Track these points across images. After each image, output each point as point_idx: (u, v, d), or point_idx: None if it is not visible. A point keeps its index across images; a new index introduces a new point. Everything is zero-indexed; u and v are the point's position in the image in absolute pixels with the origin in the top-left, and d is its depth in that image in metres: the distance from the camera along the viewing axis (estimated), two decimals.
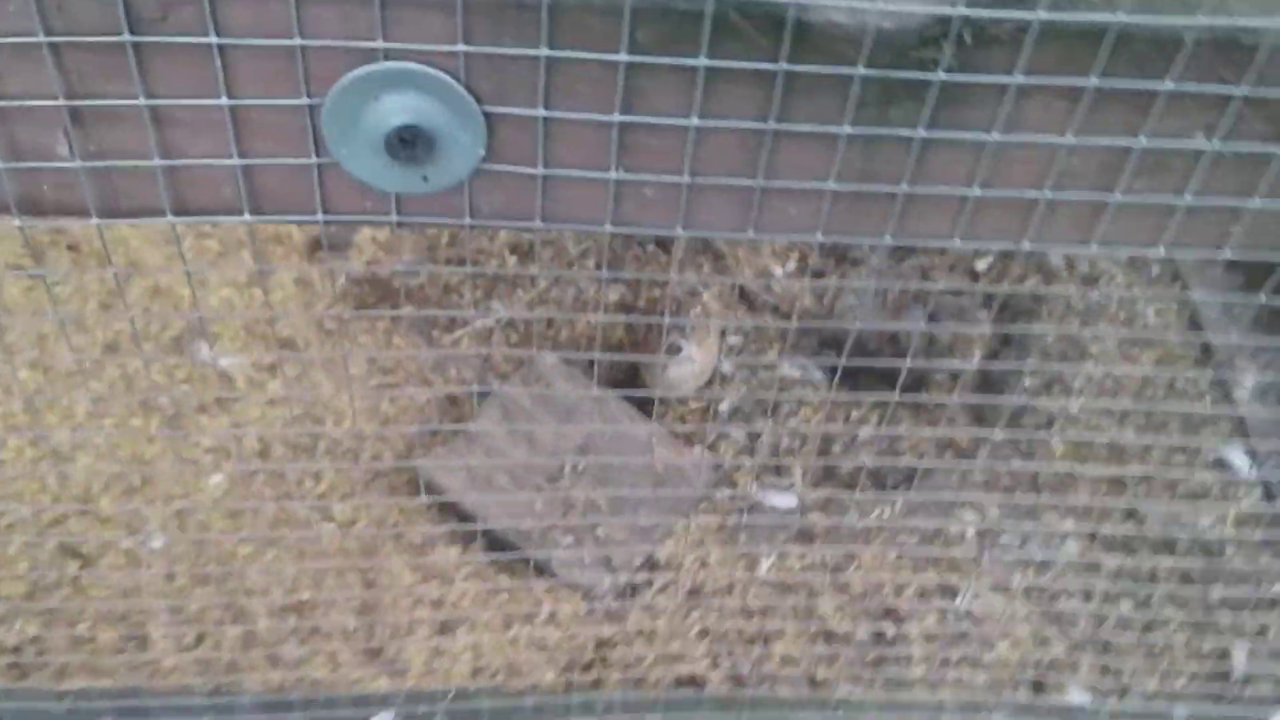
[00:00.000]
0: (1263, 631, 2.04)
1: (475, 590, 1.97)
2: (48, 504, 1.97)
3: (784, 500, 2.20)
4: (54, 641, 1.81)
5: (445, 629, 1.91)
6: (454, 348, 2.32)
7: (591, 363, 2.32)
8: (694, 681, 1.89)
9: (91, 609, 1.84)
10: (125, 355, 2.17)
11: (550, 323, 2.41)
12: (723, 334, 2.46)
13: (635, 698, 1.46)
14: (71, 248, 2.35)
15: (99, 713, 1.40)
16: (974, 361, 2.45)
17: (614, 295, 2.50)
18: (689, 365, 2.20)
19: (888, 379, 2.41)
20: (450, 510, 2.06)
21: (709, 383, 2.37)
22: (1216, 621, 2.04)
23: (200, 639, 1.84)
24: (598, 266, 2.58)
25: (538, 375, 2.26)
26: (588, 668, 1.89)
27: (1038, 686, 1.93)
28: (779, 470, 2.26)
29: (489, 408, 2.19)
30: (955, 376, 2.45)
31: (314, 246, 2.44)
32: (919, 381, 2.43)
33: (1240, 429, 2.36)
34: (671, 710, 1.42)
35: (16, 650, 1.80)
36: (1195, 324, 2.56)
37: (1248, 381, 2.42)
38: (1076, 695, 1.92)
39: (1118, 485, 2.23)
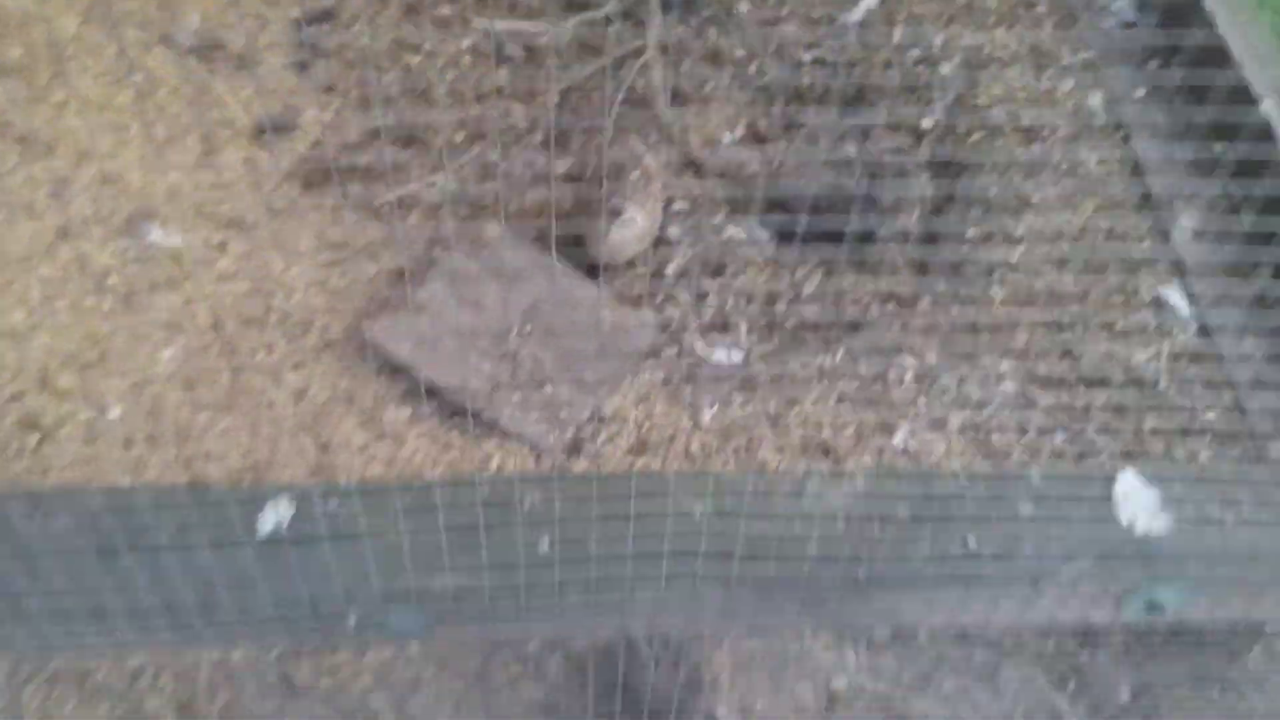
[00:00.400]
0: (1193, 458, 2.10)
1: (426, 449, 2.02)
2: (6, 380, 2.02)
3: (729, 355, 2.25)
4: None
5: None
6: (402, 221, 2.36)
7: (539, 234, 2.36)
8: None
9: (52, 477, 1.91)
10: (77, 239, 2.21)
11: (498, 197, 2.44)
12: (669, 203, 2.50)
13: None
14: (20, 140, 2.37)
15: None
16: (915, 218, 2.48)
17: (561, 168, 2.53)
18: (631, 227, 2.24)
19: (833, 238, 2.45)
20: (400, 375, 2.11)
21: (655, 246, 2.41)
22: (1148, 450, 2.10)
23: None
24: (544, 144, 2.60)
25: (484, 245, 2.30)
26: None
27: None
28: (725, 327, 2.31)
29: (436, 277, 2.23)
30: (901, 234, 2.49)
31: (260, 130, 2.46)
32: (865, 239, 2.46)
33: (1178, 270, 2.40)
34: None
35: None
36: (1137, 173, 2.59)
37: (1186, 224, 2.46)
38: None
39: (1056, 329, 2.28)
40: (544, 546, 0.95)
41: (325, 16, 2.73)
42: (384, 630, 0.98)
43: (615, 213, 2.20)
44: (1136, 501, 0.98)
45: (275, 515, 0.95)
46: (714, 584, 0.98)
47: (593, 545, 0.94)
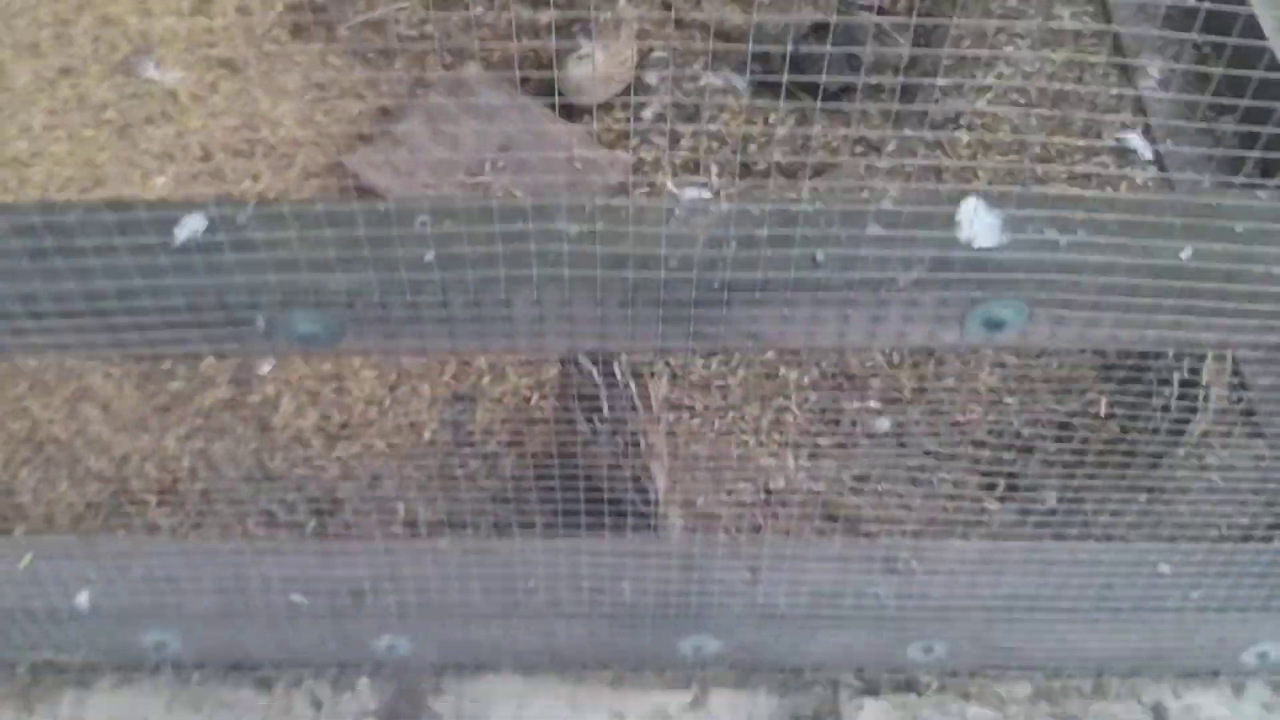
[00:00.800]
0: None
1: None
2: (9, 203, 2.15)
3: (697, 194, 2.34)
4: None
5: None
6: (387, 67, 2.46)
7: (522, 79, 2.44)
8: None
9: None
10: (78, 76, 2.33)
11: (482, 43, 2.53)
12: (648, 51, 2.57)
13: None
14: None
15: None
16: (893, 76, 2.53)
17: (544, 18, 2.60)
18: (591, 64, 2.31)
19: (809, 90, 2.51)
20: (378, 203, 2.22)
21: (634, 92, 2.49)
22: None
23: None
24: None
25: (463, 85, 2.39)
26: None
27: None
28: (696, 167, 2.39)
29: (414, 113, 2.33)
30: (876, 89, 2.55)
31: None
32: (842, 93, 2.52)
33: (1142, 115, 2.44)
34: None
35: None
36: (1108, 20, 2.62)
37: (1153, 73, 2.49)
38: None
39: (1018, 173, 2.34)
40: (428, 257, 1.06)
41: None
42: (291, 335, 1.09)
43: (574, 46, 2.27)
44: (977, 222, 1.06)
45: (190, 227, 1.06)
46: (585, 303, 1.08)
47: (468, 257, 1.05)
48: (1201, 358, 1.82)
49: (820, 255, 1.07)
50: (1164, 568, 1.63)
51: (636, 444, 1.62)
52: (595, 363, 1.65)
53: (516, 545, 1.62)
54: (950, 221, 1.08)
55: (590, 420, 1.64)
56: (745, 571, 1.61)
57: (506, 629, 1.64)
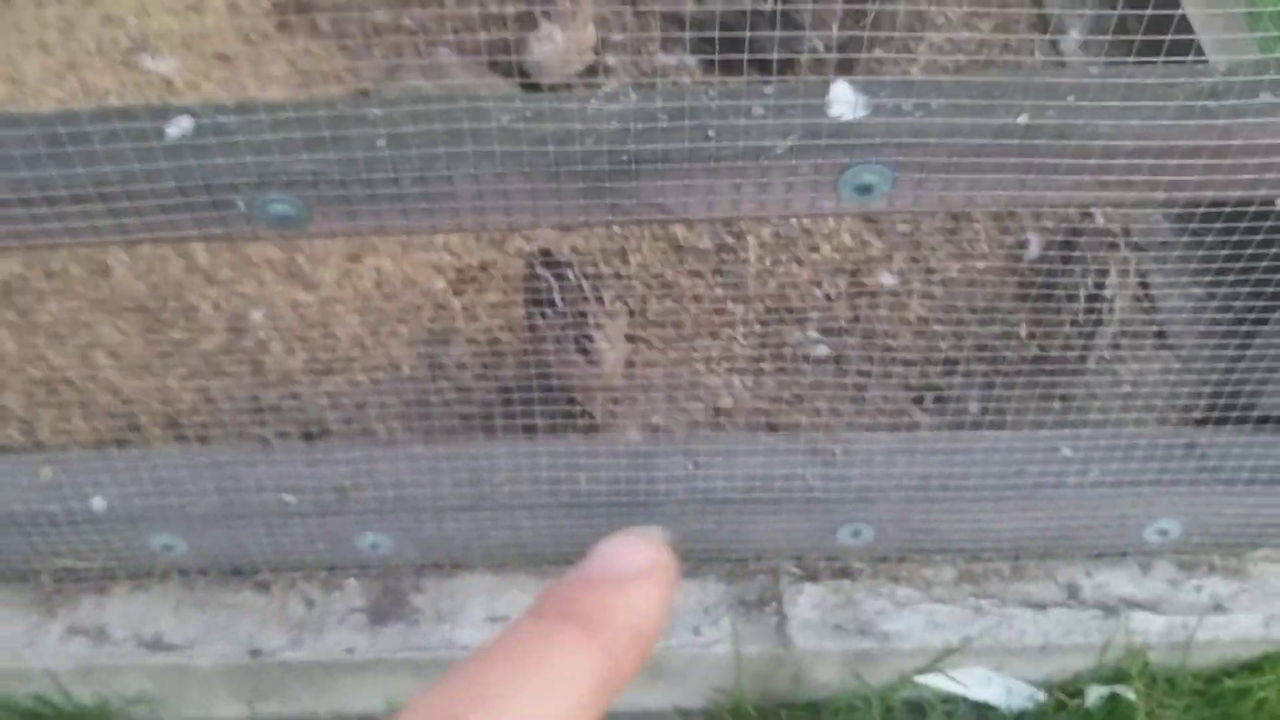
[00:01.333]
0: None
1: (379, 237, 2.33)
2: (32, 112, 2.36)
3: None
4: None
5: (353, 258, 2.29)
6: (367, 55, 2.67)
7: (493, 64, 2.65)
8: None
9: None
10: (82, 69, 2.54)
11: (456, 30, 2.74)
12: (607, 36, 2.78)
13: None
14: None
15: None
16: (832, 36, 2.74)
17: (510, 9, 2.82)
18: (550, 44, 2.52)
19: (757, 65, 2.72)
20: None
21: (596, 73, 2.69)
22: (1019, 217, 2.36)
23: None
24: None
25: (437, 68, 2.60)
26: (472, 279, 2.27)
27: (853, 273, 2.28)
28: None
29: (391, 94, 2.54)
30: (815, 58, 2.75)
31: None
32: (786, 64, 2.73)
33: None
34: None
35: None
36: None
37: (1074, 37, 2.70)
38: (886, 278, 2.27)
39: None
40: (380, 142, 1.25)
41: None
42: (268, 217, 1.28)
43: (532, 24, 2.48)
44: (843, 99, 1.26)
45: (180, 126, 1.26)
46: (516, 177, 1.27)
47: (412, 138, 1.24)
48: (1105, 273, 2.01)
49: (711, 131, 1.26)
50: (1065, 451, 1.81)
51: (587, 330, 1.81)
52: (552, 269, 1.84)
53: (482, 447, 1.81)
54: (822, 98, 1.27)
55: (545, 315, 1.83)
56: (689, 464, 1.79)
57: (477, 525, 1.82)
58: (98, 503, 1.76)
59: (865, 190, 1.29)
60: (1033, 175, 1.29)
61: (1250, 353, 1.73)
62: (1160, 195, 1.30)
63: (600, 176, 1.28)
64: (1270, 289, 1.62)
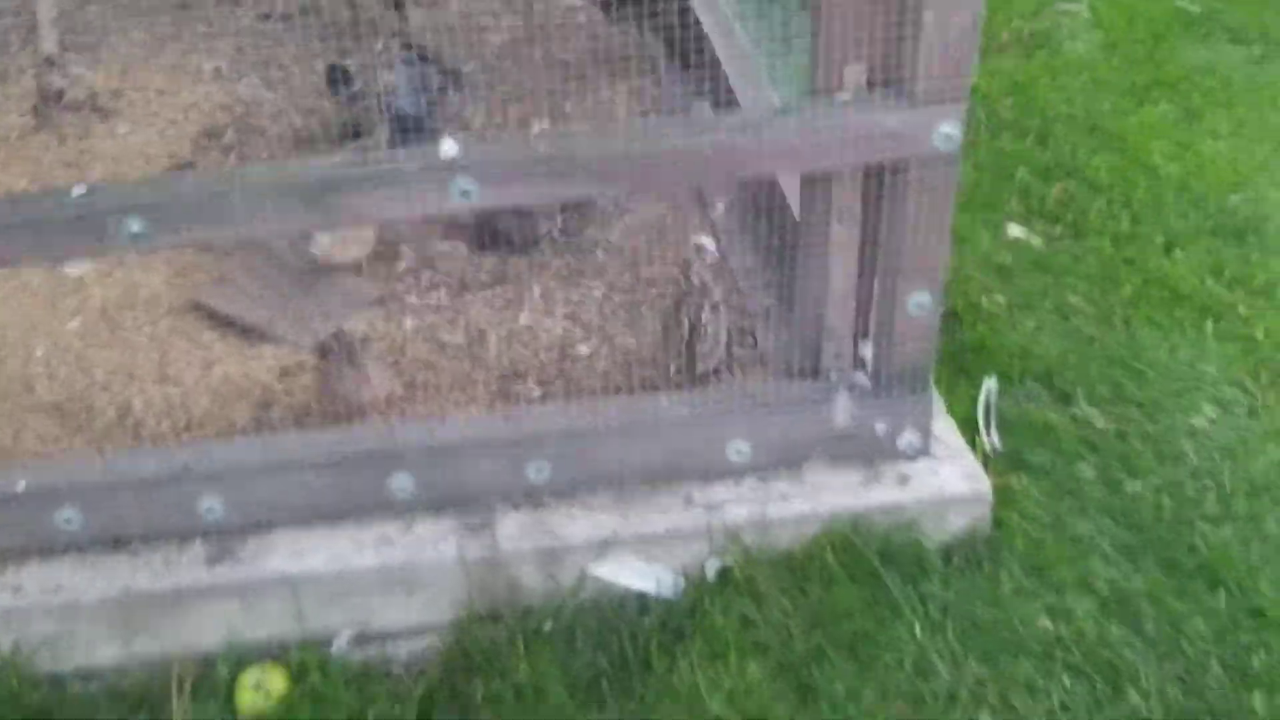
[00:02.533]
0: None
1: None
2: None
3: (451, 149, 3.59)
4: None
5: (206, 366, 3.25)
6: None
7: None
8: None
9: None
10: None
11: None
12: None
13: None
14: None
15: None
16: (558, 224, 3.89)
17: None
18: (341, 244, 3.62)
19: (512, 245, 3.85)
20: None
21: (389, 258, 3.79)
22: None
23: None
24: None
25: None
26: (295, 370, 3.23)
27: (562, 347, 3.30)
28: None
29: None
30: (550, 237, 3.89)
31: None
32: (531, 244, 3.85)
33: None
34: None
35: None
36: None
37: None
38: (582, 349, 3.29)
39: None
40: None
41: None
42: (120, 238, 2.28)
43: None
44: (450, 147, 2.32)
45: None
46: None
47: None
48: (702, 308, 3.06)
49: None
50: (664, 401, 2.80)
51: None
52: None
53: (288, 436, 2.74)
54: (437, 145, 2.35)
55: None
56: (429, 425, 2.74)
57: (283, 490, 2.70)
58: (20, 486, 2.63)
59: (465, 195, 2.35)
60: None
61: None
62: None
63: (327, 189, 2.32)
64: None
